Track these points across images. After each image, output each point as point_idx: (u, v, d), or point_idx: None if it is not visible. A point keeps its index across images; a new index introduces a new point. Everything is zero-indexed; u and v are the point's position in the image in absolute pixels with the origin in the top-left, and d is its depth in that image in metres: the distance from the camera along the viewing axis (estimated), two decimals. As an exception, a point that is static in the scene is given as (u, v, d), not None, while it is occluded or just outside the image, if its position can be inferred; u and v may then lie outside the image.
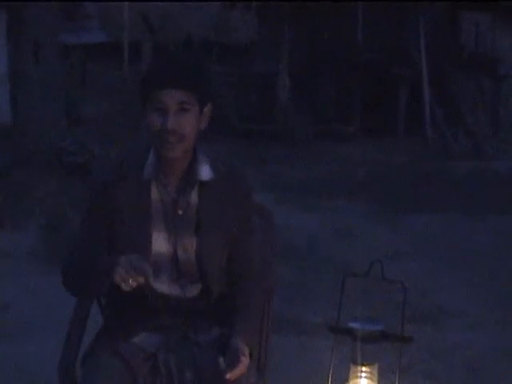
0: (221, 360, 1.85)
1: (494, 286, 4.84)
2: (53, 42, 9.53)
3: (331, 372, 1.63)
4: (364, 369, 1.58)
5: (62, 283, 2.02)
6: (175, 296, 2.02)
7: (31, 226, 5.93)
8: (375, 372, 1.59)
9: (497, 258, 5.54)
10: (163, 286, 2.01)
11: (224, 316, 2.04)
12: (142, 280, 1.82)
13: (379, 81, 12.88)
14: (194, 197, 2.00)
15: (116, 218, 1.97)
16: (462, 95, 13.58)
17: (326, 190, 7.94)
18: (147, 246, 1.97)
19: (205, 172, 2.01)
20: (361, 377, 1.58)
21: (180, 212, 1.98)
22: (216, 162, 2.05)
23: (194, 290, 2.03)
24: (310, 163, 9.76)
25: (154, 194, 1.99)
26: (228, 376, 1.82)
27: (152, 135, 1.94)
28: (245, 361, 1.85)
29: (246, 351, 1.88)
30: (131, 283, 1.81)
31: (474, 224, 6.68)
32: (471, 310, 4.41)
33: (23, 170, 7.30)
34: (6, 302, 4.25)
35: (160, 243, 1.98)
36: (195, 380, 1.94)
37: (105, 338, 2.04)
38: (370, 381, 1.58)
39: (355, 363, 1.58)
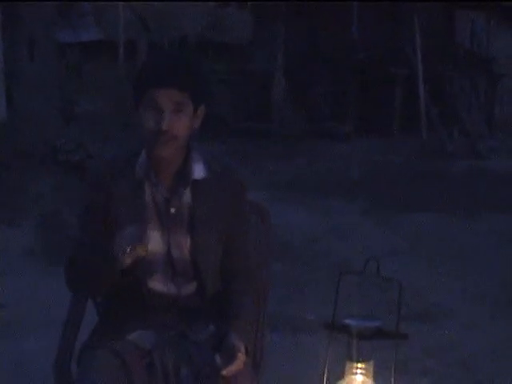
0: (217, 357, 1.85)
1: (489, 285, 4.85)
2: (48, 40, 9.52)
3: (326, 369, 1.64)
4: (360, 365, 1.59)
5: (66, 283, 2.02)
6: (170, 294, 2.02)
7: (27, 223, 5.93)
8: (371, 369, 1.59)
9: (492, 256, 5.56)
10: (158, 285, 2.01)
11: (219, 313, 2.04)
12: (141, 250, 1.83)
13: (374, 80, 12.89)
14: (187, 195, 2.00)
15: (110, 217, 1.98)
16: (457, 94, 13.60)
17: (321, 189, 7.96)
18: (141, 245, 1.97)
19: (198, 171, 2.01)
20: (356, 373, 1.59)
21: (172, 211, 1.98)
22: (210, 161, 2.05)
23: (189, 288, 2.03)
24: (305, 162, 9.77)
25: (147, 192, 1.99)
26: (224, 373, 1.82)
27: (145, 134, 1.93)
28: (241, 357, 1.85)
29: (242, 348, 1.88)
30: (129, 252, 1.81)
31: (469, 223, 6.70)
32: (466, 308, 4.43)
33: (18, 167, 7.29)
34: (2, 299, 4.24)
35: (154, 242, 1.98)
36: (191, 377, 1.94)
37: (100, 336, 2.03)
38: (365, 377, 1.59)
39: (351, 360, 1.59)
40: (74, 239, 2.07)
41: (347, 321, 1.62)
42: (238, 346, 1.87)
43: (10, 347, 3.63)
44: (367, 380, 1.60)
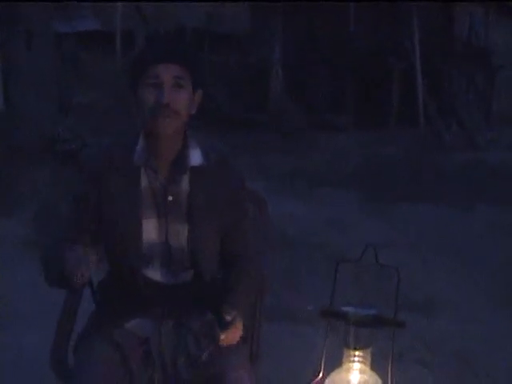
0: (217, 330, 1.86)
1: (485, 277, 4.86)
2: (45, 31, 9.49)
3: (324, 356, 1.64)
4: (357, 353, 1.59)
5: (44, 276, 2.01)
6: (167, 283, 2.01)
7: (25, 215, 5.92)
8: (368, 357, 1.59)
9: (488, 248, 5.57)
10: (155, 273, 2.00)
11: (217, 302, 2.03)
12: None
13: (372, 72, 12.87)
14: (184, 183, 1.99)
15: (106, 205, 1.96)
16: (455, 87, 13.59)
17: (318, 180, 7.96)
18: (138, 234, 1.96)
19: (196, 157, 2.00)
20: (354, 361, 1.59)
21: (170, 198, 1.97)
22: (207, 150, 2.04)
23: (186, 277, 2.03)
24: (302, 153, 9.77)
25: (144, 180, 1.97)
26: (223, 337, 1.82)
27: (145, 111, 1.90)
28: (238, 327, 1.86)
29: (239, 321, 1.89)
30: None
31: (465, 215, 6.71)
32: (463, 299, 4.44)
33: (16, 157, 7.27)
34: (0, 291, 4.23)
35: (151, 230, 1.97)
36: (188, 366, 1.94)
37: (97, 325, 2.03)
38: (362, 365, 1.59)
39: (348, 347, 1.59)
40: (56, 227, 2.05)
41: (345, 308, 1.62)
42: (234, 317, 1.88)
43: (9, 340, 3.62)
44: (365, 368, 1.60)
